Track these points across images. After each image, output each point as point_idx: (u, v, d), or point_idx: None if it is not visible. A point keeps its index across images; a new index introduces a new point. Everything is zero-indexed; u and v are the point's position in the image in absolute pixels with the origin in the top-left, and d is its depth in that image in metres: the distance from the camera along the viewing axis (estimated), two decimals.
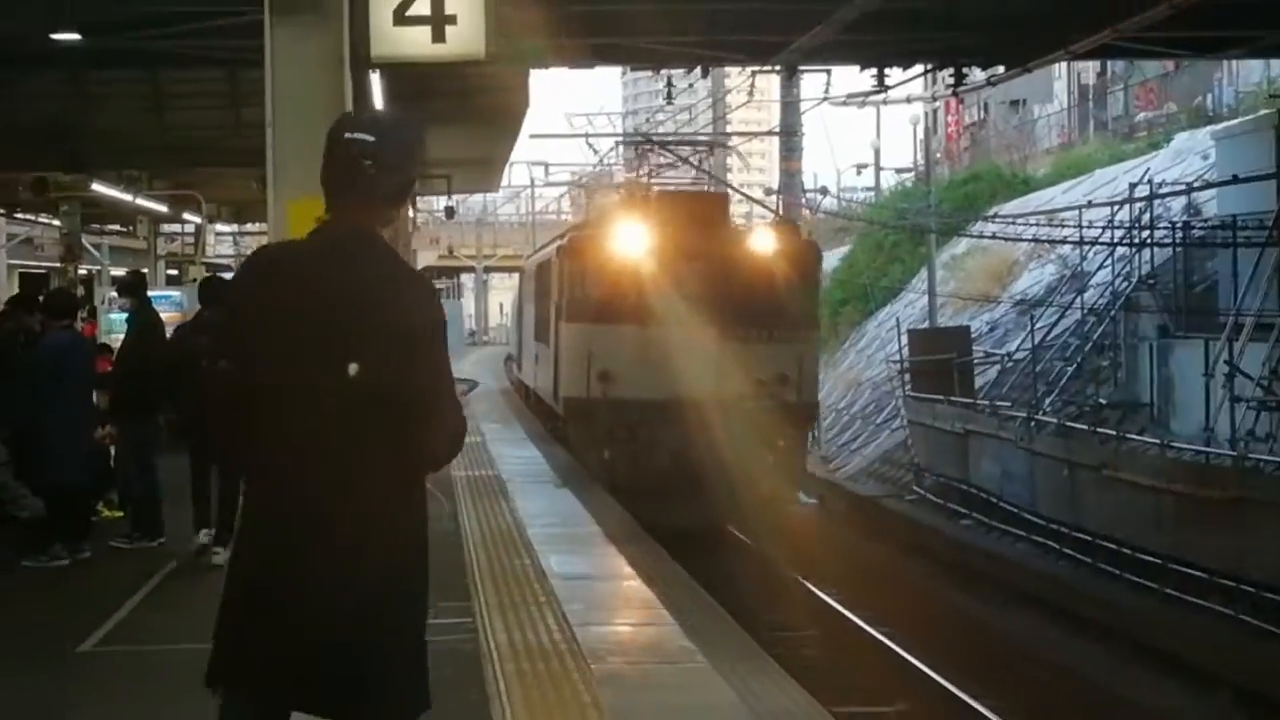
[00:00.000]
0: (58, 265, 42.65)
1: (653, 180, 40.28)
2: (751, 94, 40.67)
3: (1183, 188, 37.38)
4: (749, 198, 63.29)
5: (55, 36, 21.93)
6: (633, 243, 27.01)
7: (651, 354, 26.22)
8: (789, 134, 47.88)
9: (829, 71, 33.70)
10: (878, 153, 74.13)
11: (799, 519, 27.55)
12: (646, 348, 26.35)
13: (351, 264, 6.23)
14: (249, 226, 60.03)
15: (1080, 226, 40.34)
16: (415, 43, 9.71)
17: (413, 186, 6.48)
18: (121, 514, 18.79)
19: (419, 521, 6.36)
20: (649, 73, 36.72)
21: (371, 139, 6.25)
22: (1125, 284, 36.43)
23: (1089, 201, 42.65)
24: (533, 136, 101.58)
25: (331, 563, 6.10)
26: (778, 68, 33.64)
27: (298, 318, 6.18)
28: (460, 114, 31.11)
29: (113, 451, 18.58)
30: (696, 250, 26.97)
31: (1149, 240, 35.97)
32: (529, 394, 41.90)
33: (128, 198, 37.10)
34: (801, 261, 28.39)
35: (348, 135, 6.26)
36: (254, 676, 6.16)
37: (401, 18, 9.59)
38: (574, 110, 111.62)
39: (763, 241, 28.09)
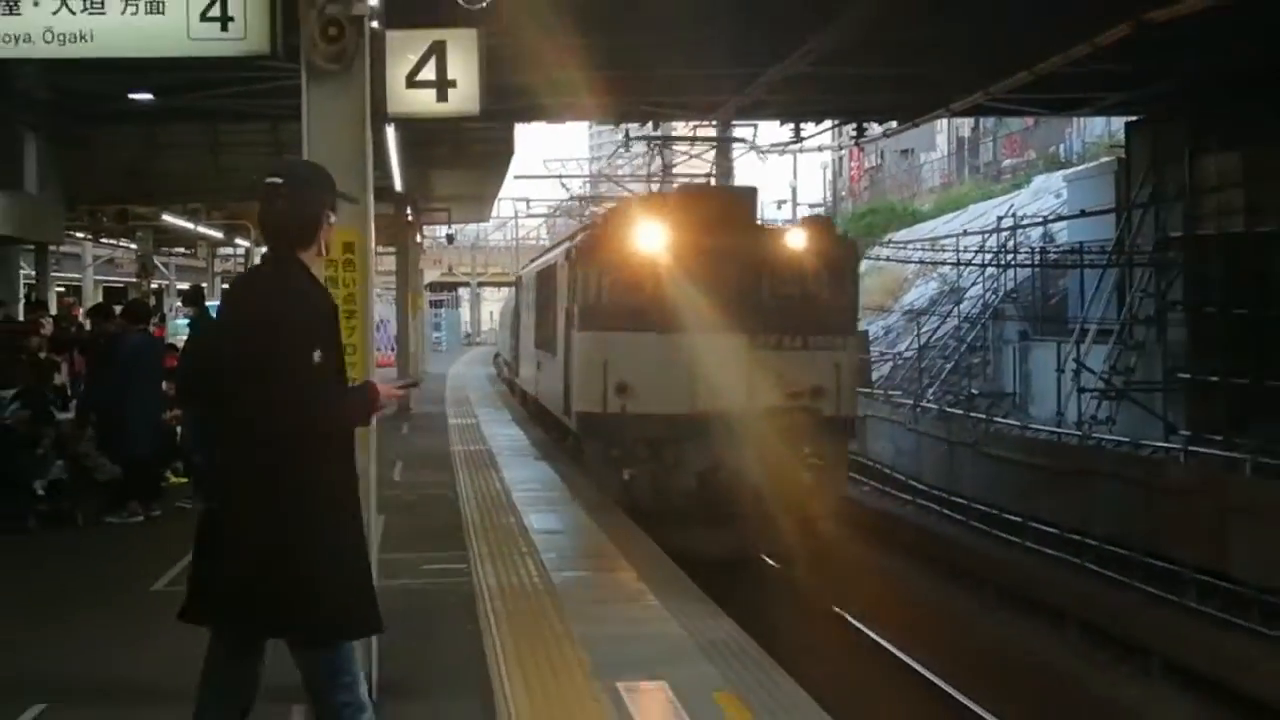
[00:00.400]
0: (134, 280, 42.60)
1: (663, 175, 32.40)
2: (692, 143, 40.52)
3: (1040, 220, 37.52)
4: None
5: (133, 96, 21.97)
6: (652, 242, 21.02)
7: (674, 364, 20.36)
8: (723, 176, 47.80)
9: (755, 125, 33.76)
10: (794, 191, 74.10)
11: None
12: (669, 357, 20.44)
13: (263, 278, 6.60)
14: None
15: (958, 251, 40.56)
16: (423, 102, 9.71)
17: (316, 221, 6.48)
18: (185, 480, 18.77)
19: (326, 477, 6.32)
20: (610, 125, 36.28)
21: (281, 181, 6.45)
22: (993, 297, 36.67)
23: (964, 231, 42.87)
24: (516, 177, 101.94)
25: (254, 514, 6.21)
26: (714, 122, 33.68)
27: (228, 320, 6.69)
28: (459, 159, 31.13)
29: (178, 430, 18.58)
30: (722, 250, 20.92)
31: (1013, 262, 36.17)
32: (525, 397, 34.90)
33: (190, 226, 37.06)
34: (837, 260, 22.31)
35: (266, 179, 6.45)
36: (206, 611, 6.33)
37: (412, 81, 9.61)
38: (549, 156, 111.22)
39: (795, 240, 21.79)
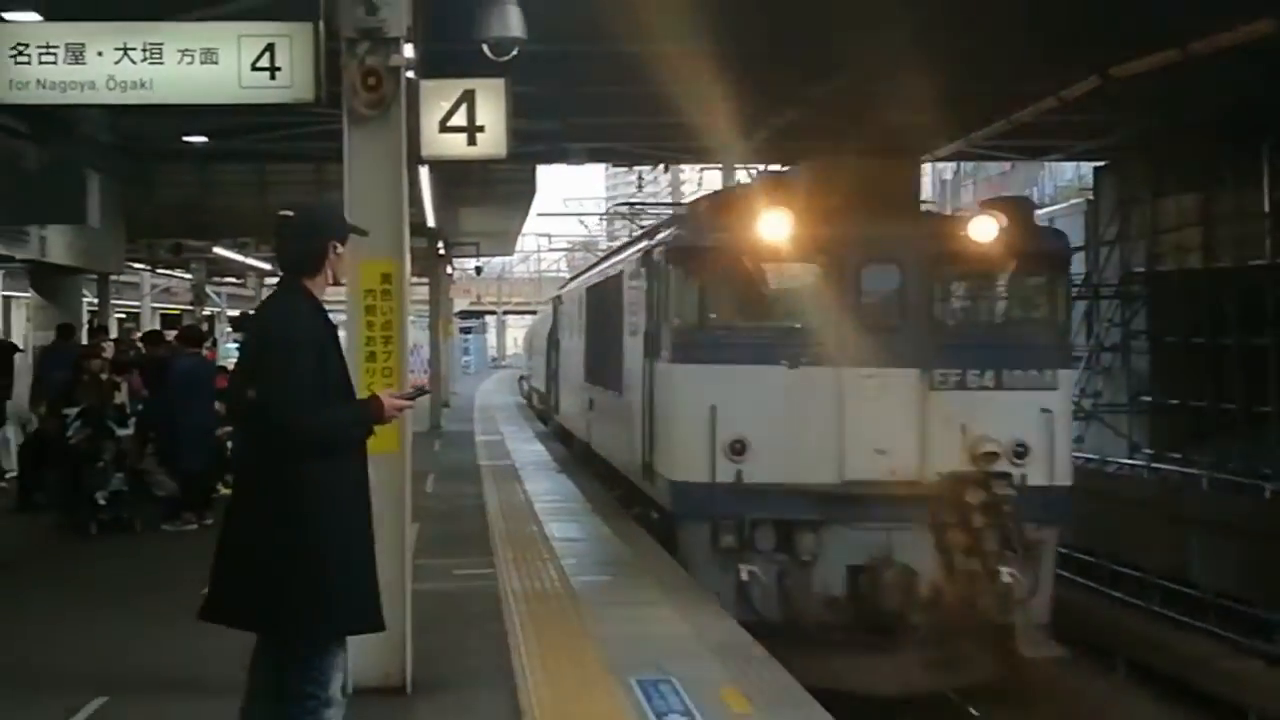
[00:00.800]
0: (189, 308, 42.71)
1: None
2: (700, 184, 40.61)
3: None
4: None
5: (187, 138, 22.02)
6: (775, 237, 13.66)
7: (812, 412, 13.60)
8: None
9: (756, 169, 33.76)
10: None
11: None
12: (804, 402, 13.63)
13: (268, 302, 6.68)
14: None
15: None
16: (454, 145, 9.74)
17: (323, 252, 6.35)
18: None
19: (319, 482, 6.13)
20: (625, 168, 36.35)
21: (292, 215, 6.54)
22: None
23: None
24: (539, 214, 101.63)
25: (240, 526, 6.23)
26: (719, 165, 33.73)
27: (243, 341, 7.09)
28: (486, 197, 31.17)
29: (229, 445, 18.56)
30: (877, 246, 13.97)
31: None
32: (571, 439, 27.16)
33: (240, 258, 37.09)
34: (1042, 261, 14.71)
35: (280, 213, 6.63)
36: (220, 615, 6.21)
37: (444, 126, 9.64)
38: (569, 195, 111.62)
39: (981, 230, 13.76)
